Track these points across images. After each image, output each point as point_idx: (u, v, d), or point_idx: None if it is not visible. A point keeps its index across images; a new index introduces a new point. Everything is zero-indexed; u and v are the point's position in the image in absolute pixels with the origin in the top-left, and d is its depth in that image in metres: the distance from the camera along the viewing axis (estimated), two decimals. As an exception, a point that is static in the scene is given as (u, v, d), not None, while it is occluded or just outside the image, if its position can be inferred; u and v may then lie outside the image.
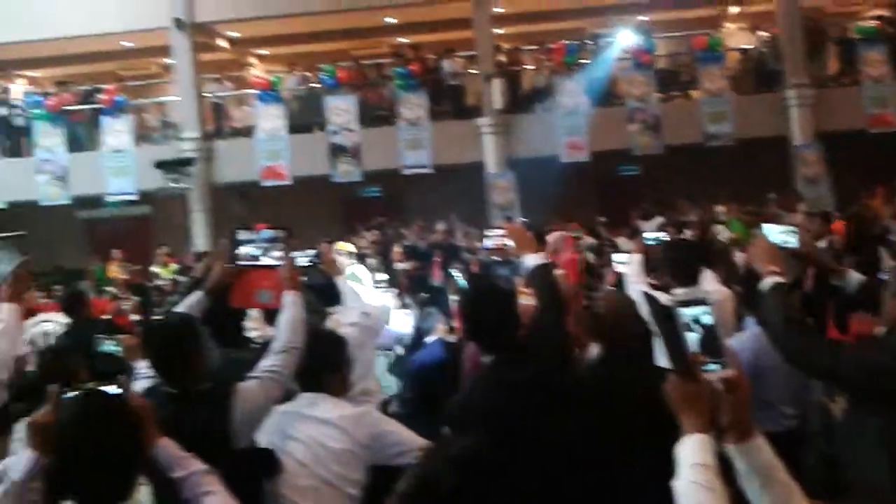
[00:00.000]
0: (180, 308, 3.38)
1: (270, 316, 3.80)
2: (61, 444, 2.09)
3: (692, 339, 1.77)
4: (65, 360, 3.74)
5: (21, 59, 18.65)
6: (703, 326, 1.78)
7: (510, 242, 3.90)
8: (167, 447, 2.45)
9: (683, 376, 1.73)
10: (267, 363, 3.07)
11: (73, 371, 3.73)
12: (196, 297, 3.40)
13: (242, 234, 3.50)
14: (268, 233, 3.52)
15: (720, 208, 12.65)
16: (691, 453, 1.69)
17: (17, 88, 18.43)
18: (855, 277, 3.09)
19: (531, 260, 3.37)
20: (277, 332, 3.16)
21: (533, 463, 2.69)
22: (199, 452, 2.54)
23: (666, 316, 1.76)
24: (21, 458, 2.92)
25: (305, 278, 4.72)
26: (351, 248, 7.72)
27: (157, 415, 2.49)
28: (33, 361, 4.77)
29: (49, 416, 2.28)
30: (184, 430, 2.63)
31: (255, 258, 3.47)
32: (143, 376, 3.22)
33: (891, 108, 15.27)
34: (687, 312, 1.78)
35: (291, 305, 3.20)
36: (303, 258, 5.52)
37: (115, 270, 14.73)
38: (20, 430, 3.42)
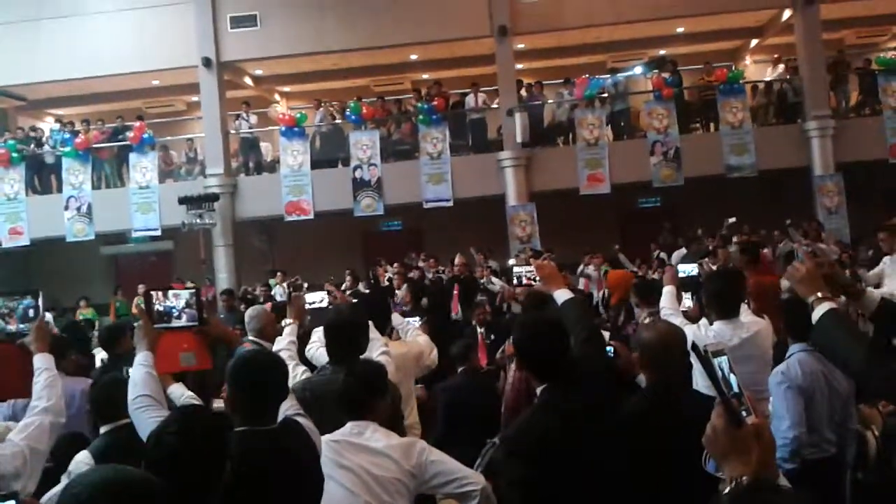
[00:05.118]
0: (135, 367, 3.21)
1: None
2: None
3: (734, 382, 1.80)
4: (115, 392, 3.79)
5: (52, 97, 19.05)
6: (733, 373, 1.82)
7: (539, 278, 3.94)
8: None
9: (730, 422, 1.76)
10: (292, 403, 3.11)
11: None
12: (143, 356, 3.23)
13: (156, 297, 3.45)
14: (182, 293, 3.51)
15: (735, 239, 12.64)
16: None
17: (47, 127, 18.82)
18: (874, 296, 3.03)
19: (561, 295, 3.44)
20: None
21: (583, 490, 2.77)
22: (299, 484, 2.76)
23: (708, 363, 1.79)
24: None
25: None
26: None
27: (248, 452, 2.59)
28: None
29: None
30: (291, 464, 2.79)
31: (170, 319, 3.43)
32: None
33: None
34: (720, 360, 1.81)
35: None
36: (316, 299, 5.56)
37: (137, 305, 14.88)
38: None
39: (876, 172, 15.38)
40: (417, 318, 6.23)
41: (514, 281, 6.59)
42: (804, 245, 10.96)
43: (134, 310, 14.21)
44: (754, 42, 18.77)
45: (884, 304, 2.92)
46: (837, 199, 15.27)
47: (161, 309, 3.43)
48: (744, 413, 1.77)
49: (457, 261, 12.73)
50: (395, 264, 13.95)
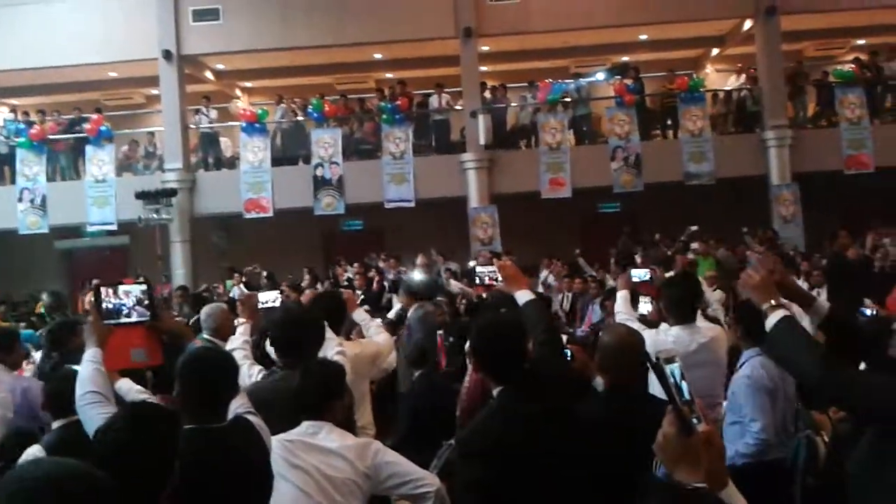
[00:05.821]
0: (84, 363, 3.19)
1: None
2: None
3: (686, 389, 1.81)
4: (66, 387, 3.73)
5: (6, 87, 18.61)
6: (684, 380, 1.83)
7: (501, 279, 3.94)
8: None
9: (682, 430, 1.77)
10: (243, 402, 3.10)
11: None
12: (92, 352, 3.22)
13: (105, 293, 3.38)
14: (132, 288, 3.44)
15: (694, 245, 12.79)
16: None
17: (1, 116, 18.39)
18: (824, 305, 3.06)
19: (522, 296, 3.43)
20: None
21: (538, 492, 2.76)
22: (249, 483, 2.74)
23: (660, 371, 1.80)
24: None
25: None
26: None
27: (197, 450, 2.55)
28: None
29: None
30: (240, 463, 2.77)
31: (120, 315, 3.37)
32: None
33: (866, 149, 15.61)
34: (672, 367, 1.82)
35: None
36: (269, 299, 5.50)
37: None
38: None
39: (832, 183, 15.66)
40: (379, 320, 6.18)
41: (476, 281, 6.57)
42: (758, 253, 11.12)
43: (86, 305, 13.94)
44: (715, 51, 19.03)
45: (833, 312, 2.96)
46: (793, 209, 15.52)
47: (111, 307, 3.36)
48: (694, 420, 1.78)
49: (418, 261, 12.71)
50: (356, 264, 13.89)
